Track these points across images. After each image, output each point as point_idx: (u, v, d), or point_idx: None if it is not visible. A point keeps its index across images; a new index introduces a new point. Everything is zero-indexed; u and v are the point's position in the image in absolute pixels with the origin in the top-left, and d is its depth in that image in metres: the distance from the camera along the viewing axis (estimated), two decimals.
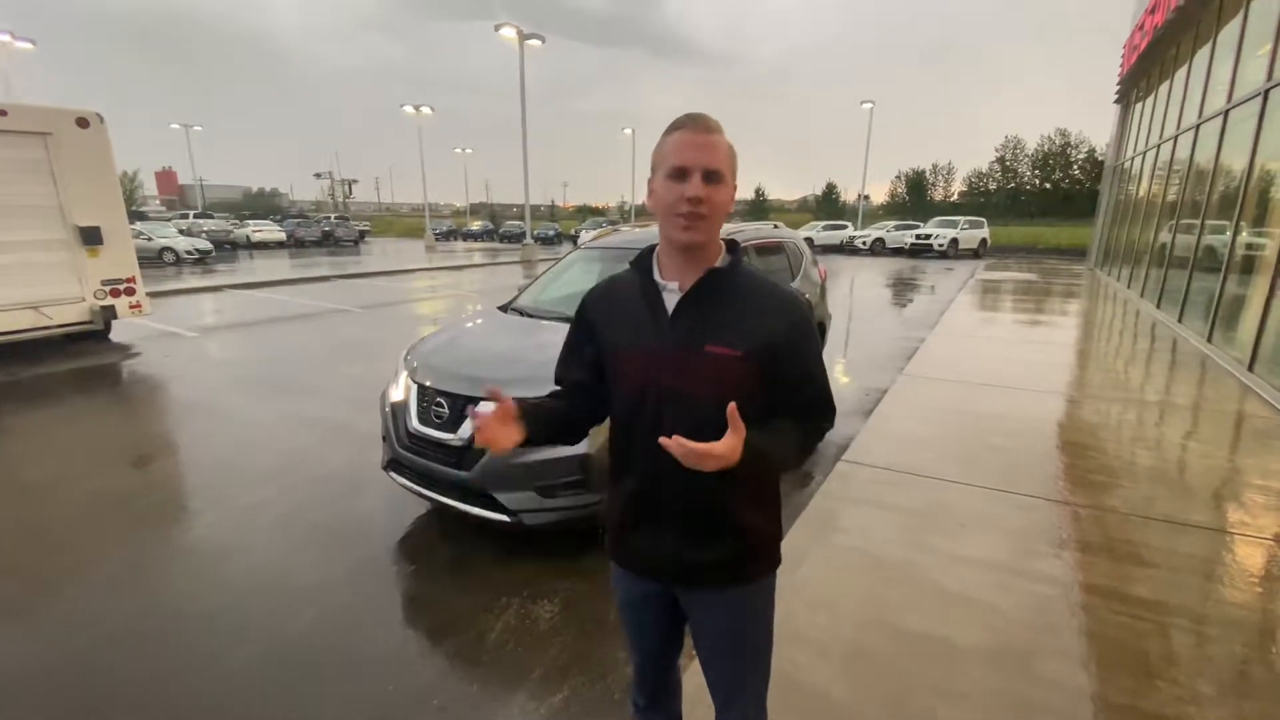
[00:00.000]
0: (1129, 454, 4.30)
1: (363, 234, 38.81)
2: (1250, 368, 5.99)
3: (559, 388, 1.50)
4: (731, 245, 1.31)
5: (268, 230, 31.29)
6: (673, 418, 1.22)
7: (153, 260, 19.74)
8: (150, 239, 20.35)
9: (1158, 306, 10.16)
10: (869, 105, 35.83)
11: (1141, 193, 13.65)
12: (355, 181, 72.85)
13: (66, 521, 3.65)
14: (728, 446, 1.07)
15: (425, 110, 33.82)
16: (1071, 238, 30.94)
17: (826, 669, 2.22)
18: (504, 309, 4.31)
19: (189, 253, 21.10)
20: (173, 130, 47.70)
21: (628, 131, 44.22)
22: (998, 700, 2.10)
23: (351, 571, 3.14)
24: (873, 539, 3.13)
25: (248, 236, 30.20)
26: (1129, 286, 12.93)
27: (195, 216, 33.13)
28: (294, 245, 32.15)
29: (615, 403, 1.35)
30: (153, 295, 8.45)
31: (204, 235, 25.58)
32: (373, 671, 2.45)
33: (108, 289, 7.62)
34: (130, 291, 7.84)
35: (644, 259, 1.32)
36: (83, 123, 7.12)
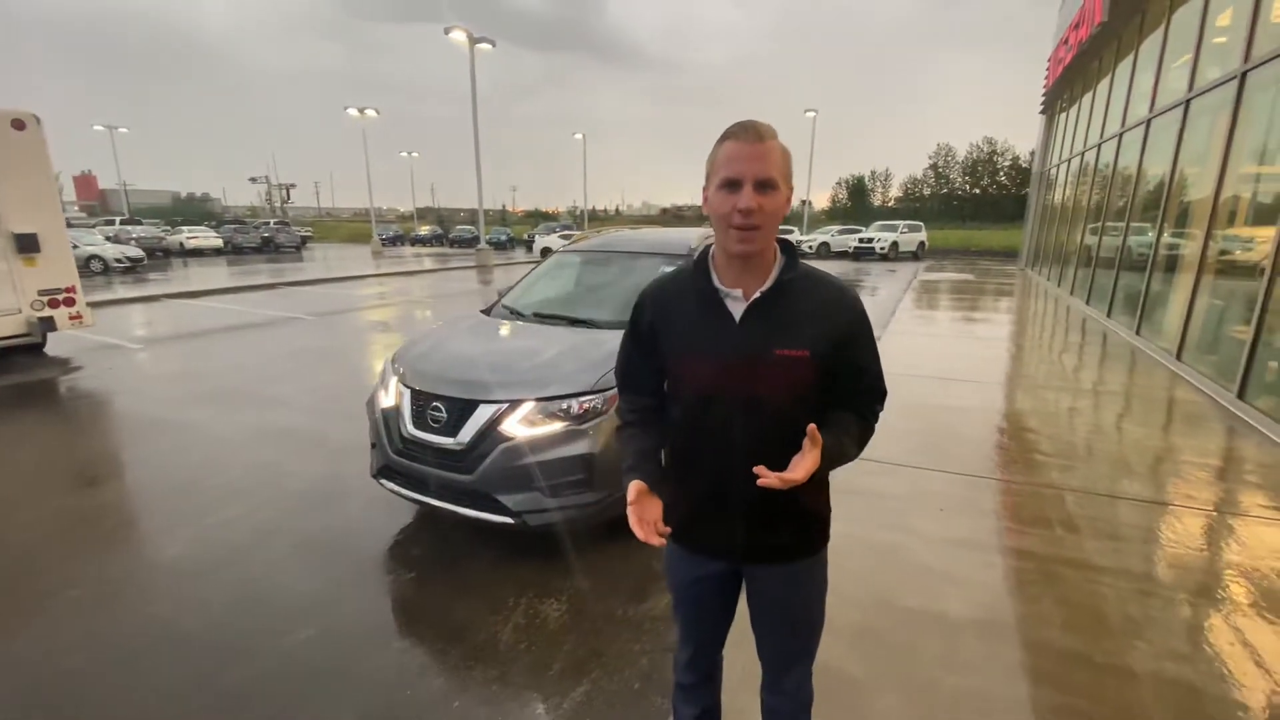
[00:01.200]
0: (1080, 439, 4.63)
1: (305, 240, 37.48)
2: (1178, 357, 6.52)
3: (620, 391, 1.55)
4: (787, 247, 1.32)
5: (203, 236, 29.81)
6: (743, 420, 1.29)
7: (79, 269, 18.46)
8: (76, 246, 19.07)
9: (1087, 303, 10.87)
10: (812, 114, 36.94)
11: (1068, 197, 14.58)
12: (294, 186, 70.27)
13: (30, 545, 3.44)
14: (812, 462, 1.18)
15: (370, 113, 32.94)
16: (1002, 240, 32.68)
17: (840, 648, 2.34)
18: (487, 313, 4.31)
19: (119, 260, 19.91)
20: (94, 132, 44.84)
21: (578, 136, 44.20)
22: (994, 665, 2.26)
23: (346, 582, 3.08)
24: (864, 525, 3.29)
25: (181, 243, 28.71)
26: (1059, 285, 13.77)
27: (123, 222, 31.28)
28: (232, 252, 30.77)
29: (678, 406, 1.39)
30: (88, 306, 7.97)
31: (134, 242, 24.17)
32: (385, 679, 2.42)
33: (45, 299, 7.16)
34: (70, 302, 7.39)
35: (701, 263, 1.34)
36: (18, 124, 6.67)
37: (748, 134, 1.19)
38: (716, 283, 1.31)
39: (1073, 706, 2.08)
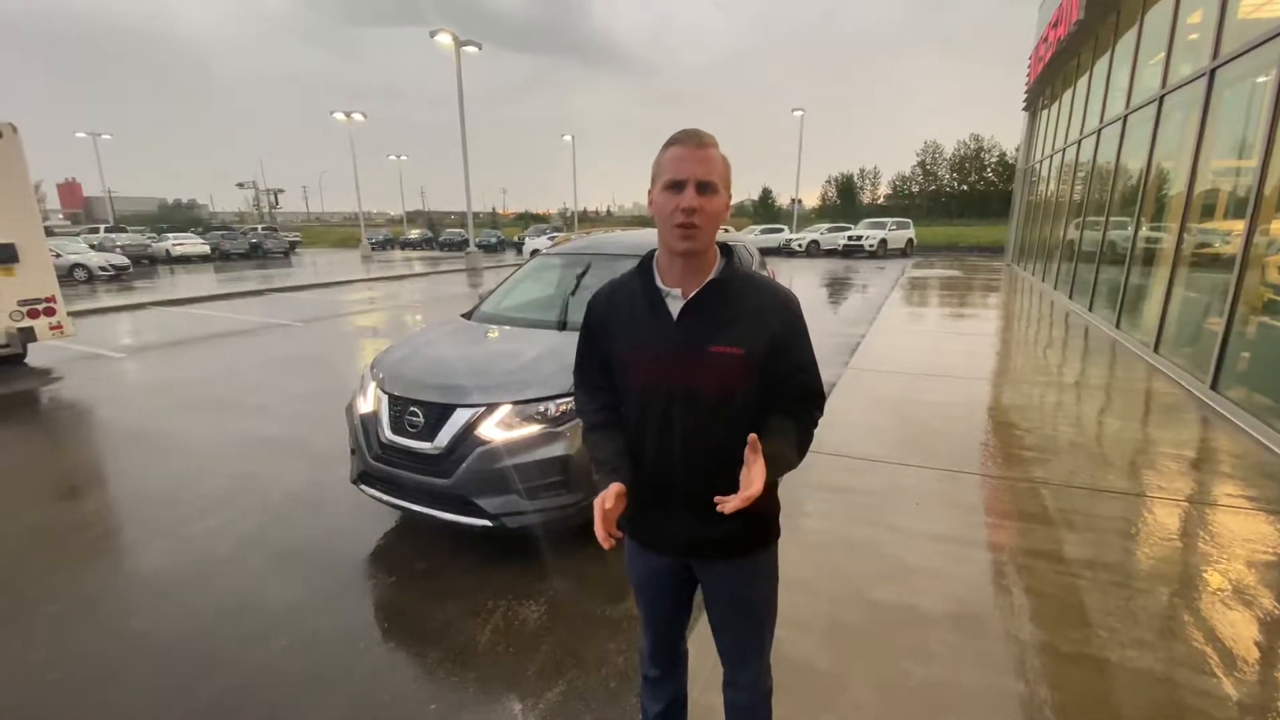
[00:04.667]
0: (1058, 431, 4.69)
1: (293, 245, 37.32)
2: (1155, 349, 6.60)
3: (576, 388, 1.58)
4: (725, 250, 1.39)
5: (190, 244, 29.58)
6: (682, 415, 1.35)
7: (63, 278, 18.29)
8: (59, 255, 18.93)
9: (1070, 297, 10.98)
10: (800, 113, 37.06)
11: (1050, 193, 14.71)
12: (281, 191, 69.76)
13: (8, 558, 3.42)
14: (760, 471, 1.18)
15: (357, 117, 32.81)
16: (989, 236, 32.89)
17: (809, 642, 2.38)
18: (468, 317, 4.32)
19: (103, 269, 19.74)
20: (78, 140, 44.40)
21: (567, 139, 44.16)
22: (964, 656, 2.31)
23: (327, 589, 3.08)
24: (838, 521, 3.33)
25: (168, 250, 28.47)
26: (1043, 280, 13.90)
27: (107, 230, 31.02)
28: (219, 259, 30.58)
29: (627, 401, 1.44)
30: (70, 315, 7.92)
31: (119, 250, 23.98)
32: (364, 684, 2.44)
33: (25, 310, 7.11)
34: (50, 312, 7.34)
35: (645, 265, 1.41)
36: None
37: (690, 140, 1.27)
38: (659, 283, 1.37)
39: (1041, 696, 2.12)
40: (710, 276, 1.34)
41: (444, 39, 20.13)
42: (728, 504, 1.17)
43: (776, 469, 1.26)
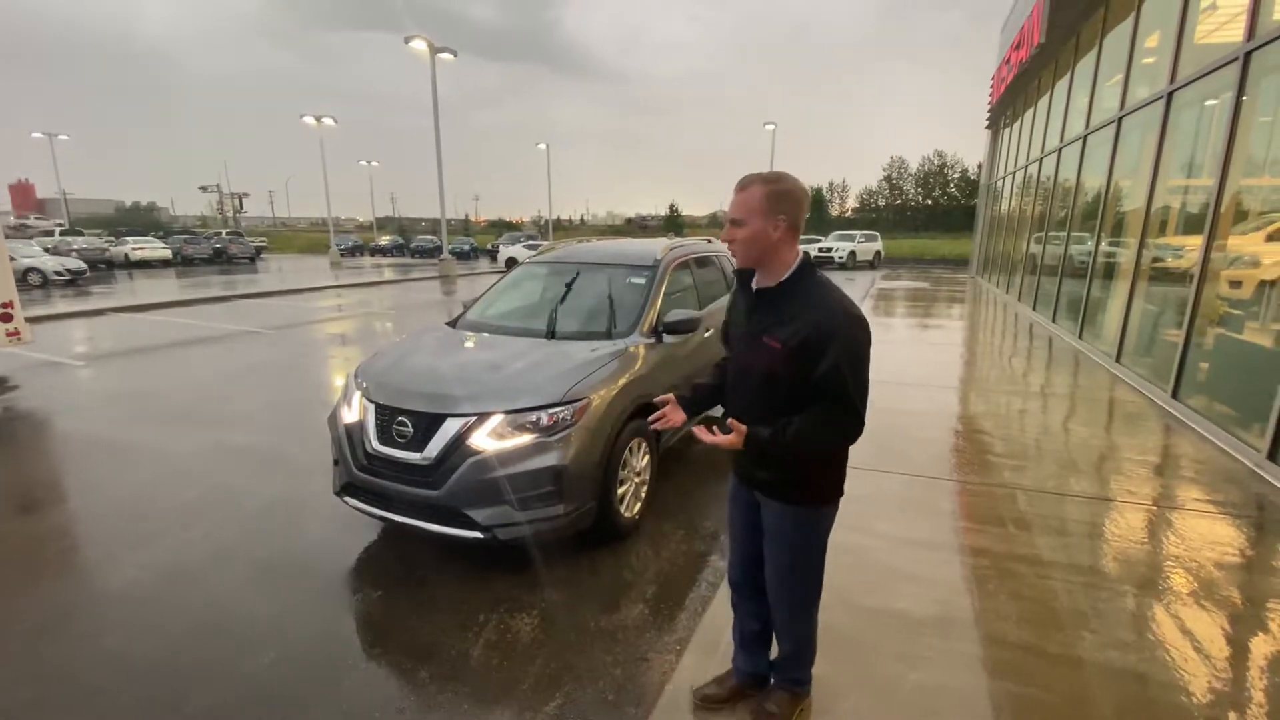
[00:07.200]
0: (1028, 439, 4.83)
1: (259, 251, 36.45)
2: (1118, 360, 6.86)
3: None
4: (804, 264, 1.76)
5: (150, 248, 28.64)
6: (743, 382, 1.85)
7: (16, 283, 17.64)
8: (12, 258, 18.17)
9: (1033, 309, 11.34)
10: (771, 127, 37.68)
11: (1014, 208, 15.20)
12: (247, 195, 68.05)
13: None
14: (728, 440, 1.70)
15: (328, 121, 32.30)
16: (954, 249, 33.83)
17: None
18: (453, 324, 4.28)
19: (59, 273, 19.00)
20: (33, 140, 42.79)
21: (541, 146, 44.12)
22: (953, 660, 2.36)
23: (309, 603, 3.00)
24: None
25: (127, 255, 27.56)
26: (1007, 292, 14.33)
27: (63, 233, 29.89)
28: (181, 264, 29.69)
29: None
30: (27, 322, 7.60)
31: (75, 254, 23.11)
32: (355, 699, 2.38)
33: None
34: (7, 318, 7.06)
35: (749, 274, 1.84)
36: None
37: (736, 186, 1.72)
38: (754, 285, 1.82)
39: (1029, 696, 2.18)
40: (767, 283, 1.77)
41: (419, 45, 19.98)
42: (703, 436, 1.72)
43: (757, 445, 1.70)
